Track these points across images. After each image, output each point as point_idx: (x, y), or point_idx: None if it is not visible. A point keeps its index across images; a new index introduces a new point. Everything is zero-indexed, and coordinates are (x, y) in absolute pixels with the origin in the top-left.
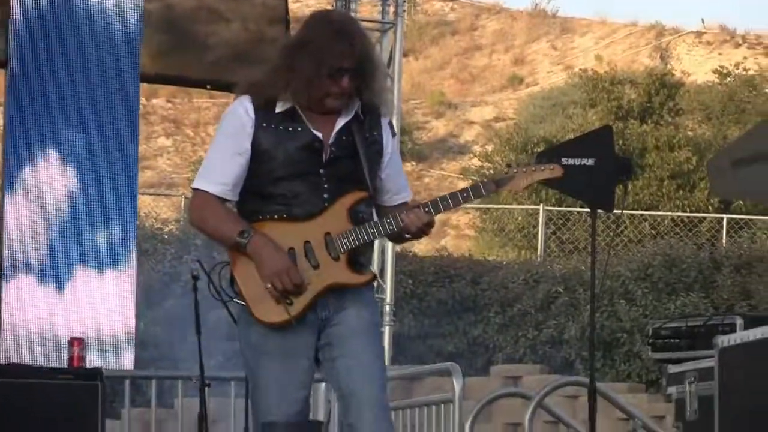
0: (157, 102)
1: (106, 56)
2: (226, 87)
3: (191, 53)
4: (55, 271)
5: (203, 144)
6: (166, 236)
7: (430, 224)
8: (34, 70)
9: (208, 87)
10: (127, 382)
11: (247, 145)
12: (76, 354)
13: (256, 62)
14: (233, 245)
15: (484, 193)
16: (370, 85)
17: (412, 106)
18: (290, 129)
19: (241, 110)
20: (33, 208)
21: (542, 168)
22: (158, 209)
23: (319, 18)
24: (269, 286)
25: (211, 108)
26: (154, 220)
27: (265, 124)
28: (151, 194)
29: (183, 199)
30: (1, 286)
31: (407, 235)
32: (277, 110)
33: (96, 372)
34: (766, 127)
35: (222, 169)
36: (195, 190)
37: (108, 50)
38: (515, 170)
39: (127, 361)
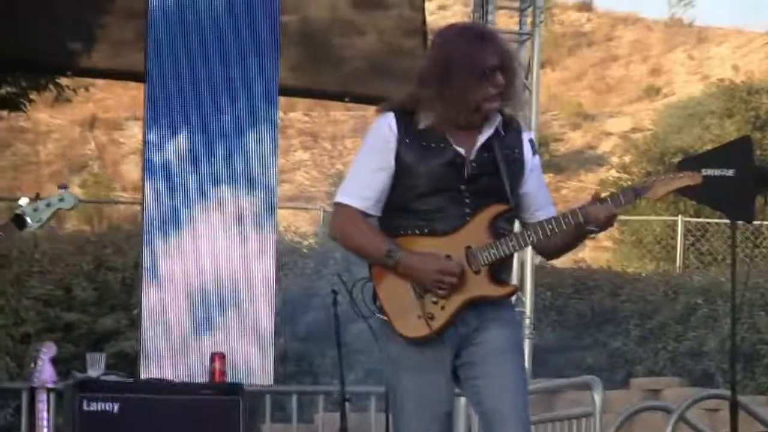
0: (295, 115)
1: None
2: (363, 99)
3: (327, 66)
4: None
5: (341, 157)
6: (305, 250)
7: (614, 216)
8: (172, 82)
9: (347, 99)
10: (268, 397)
11: (391, 161)
12: (217, 369)
13: (393, 74)
14: (380, 264)
15: (622, 201)
16: (512, 83)
17: (549, 118)
18: (433, 145)
19: (385, 126)
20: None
21: (681, 175)
22: (297, 223)
23: (450, 31)
24: (439, 292)
25: (348, 121)
26: (293, 234)
27: (408, 140)
28: (290, 208)
29: (321, 212)
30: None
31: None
32: (420, 126)
33: (237, 387)
34: None
35: (365, 183)
36: (337, 204)
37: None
38: (653, 178)
39: (267, 375)
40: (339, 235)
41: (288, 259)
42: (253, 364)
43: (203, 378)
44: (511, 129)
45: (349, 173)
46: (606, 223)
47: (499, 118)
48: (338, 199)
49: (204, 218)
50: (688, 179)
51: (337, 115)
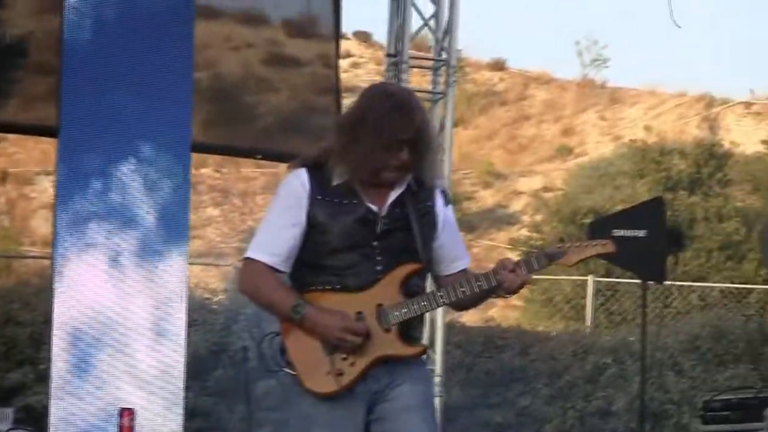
0: (205, 172)
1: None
2: (275, 156)
3: (239, 122)
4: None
5: (251, 213)
6: (215, 306)
7: (525, 282)
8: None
9: (259, 157)
10: None
11: (302, 217)
12: (125, 425)
13: (305, 131)
14: (287, 319)
15: (536, 267)
16: (424, 156)
17: (461, 176)
18: (345, 201)
19: (297, 182)
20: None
21: (594, 244)
22: (207, 279)
23: (376, 91)
24: (342, 346)
25: (259, 177)
26: (203, 290)
27: (320, 197)
28: (199, 264)
29: (233, 268)
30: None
31: (500, 293)
32: (333, 183)
33: None
34: None
35: (276, 240)
36: (246, 259)
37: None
38: (568, 245)
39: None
40: (248, 290)
41: (197, 315)
42: (162, 420)
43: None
44: (422, 184)
45: (259, 229)
46: (519, 289)
47: (410, 175)
48: (248, 254)
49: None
50: (601, 248)
51: (248, 171)
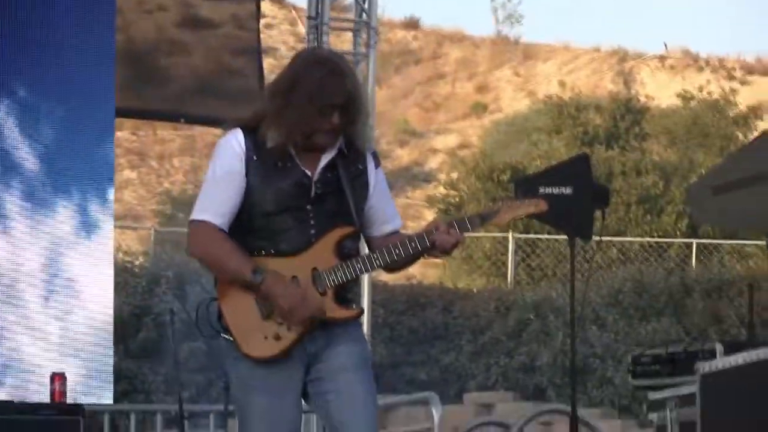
0: (122, 135)
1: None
2: (194, 119)
3: (156, 86)
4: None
5: (168, 176)
6: (136, 270)
7: (459, 243)
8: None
9: (182, 120)
10: (107, 416)
11: (243, 177)
12: (57, 389)
13: (223, 94)
14: (244, 282)
15: (469, 227)
16: (355, 121)
17: (377, 135)
18: (279, 164)
19: (234, 142)
20: None
21: (526, 203)
22: (126, 243)
23: (309, 56)
24: (293, 323)
25: (176, 140)
26: (123, 254)
27: (256, 158)
28: (118, 227)
29: (153, 232)
30: None
31: (433, 254)
32: (268, 145)
33: (78, 407)
34: (745, 152)
35: (219, 200)
36: (194, 221)
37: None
38: (500, 204)
39: (105, 394)
40: (200, 253)
41: (119, 278)
42: (92, 383)
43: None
44: (354, 147)
45: (201, 191)
46: (452, 250)
47: (342, 139)
48: (195, 216)
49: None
50: (533, 207)
51: (165, 134)
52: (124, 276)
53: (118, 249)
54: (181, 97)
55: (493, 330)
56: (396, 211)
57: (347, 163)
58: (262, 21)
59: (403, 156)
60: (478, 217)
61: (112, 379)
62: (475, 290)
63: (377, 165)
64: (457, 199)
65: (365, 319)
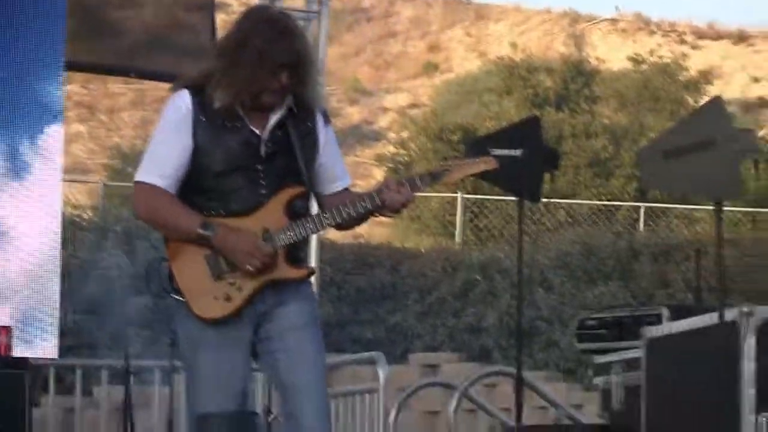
0: (72, 88)
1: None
2: (145, 74)
3: (106, 39)
4: None
5: (118, 130)
6: (84, 223)
7: (409, 201)
8: None
9: (132, 75)
10: (52, 370)
11: (189, 138)
12: (3, 343)
13: (175, 49)
14: (196, 237)
15: (419, 185)
16: (305, 81)
17: (327, 93)
18: (228, 124)
19: (181, 103)
20: None
21: (477, 161)
22: (75, 196)
23: (257, 16)
24: (249, 268)
25: (127, 93)
26: (72, 208)
27: (203, 119)
28: (67, 180)
29: (102, 186)
30: None
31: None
32: (215, 105)
33: (23, 361)
34: (695, 117)
35: (165, 161)
36: (138, 183)
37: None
38: (450, 163)
39: (50, 348)
40: (145, 213)
41: (67, 232)
42: (37, 338)
43: None
44: (303, 105)
45: (147, 152)
46: (402, 208)
47: (291, 97)
48: (141, 178)
49: None
50: (484, 165)
51: (115, 87)
52: (72, 230)
53: (66, 202)
54: (131, 51)
55: (440, 290)
56: (345, 169)
57: (297, 122)
58: None
59: (353, 114)
60: (428, 175)
61: (57, 333)
62: (422, 250)
63: (326, 123)
64: (407, 158)
65: (314, 278)
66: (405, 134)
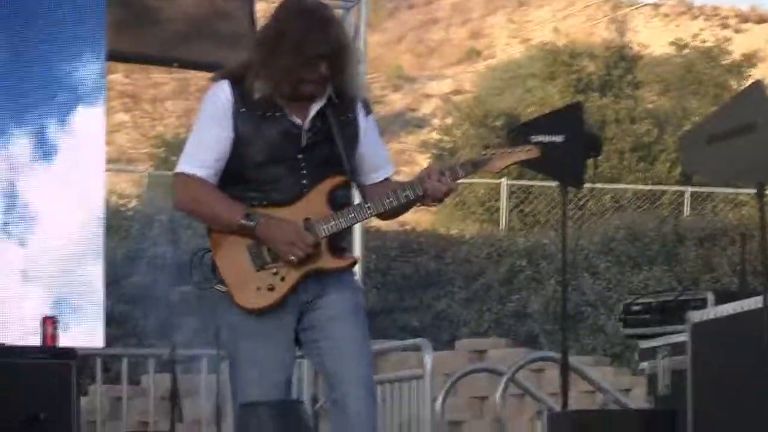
0: (115, 77)
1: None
2: (187, 64)
3: (148, 28)
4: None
5: (161, 119)
6: (130, 213)
7: (451, 190)
8: None
9: (174, 65)
10: (99, 359)
11: (230, 129)
12: (49, 333)
13: (217, 38)
14: (238, 228)
15: (461, 174)
16: (343, 70)
17: (370, 80)
18: (268, 114)
19: (221, 94)
20: None
21: (519, 149)
22: (120, 186)
23: (293, 6)
24: (292, 258)
25: (170, 83)
26: (117, 197)
27: (243, 110)
28: (112, 170)
29: (147, 176)
30: None
31: (426, 202)
32: (255, 96)
33: (70, 351)
34: (737, 101)
35: (206, 152)
36: (180, 174)
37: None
38: (493, 152)
39: (97, 338)
40: (187, 205)
41: (112, 221)
42: (83, 327)
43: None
44: (343, 95)
45: (188, 143)
46: (444, 197)
47: (330, 87)
48: (180, 169)
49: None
50: (525, 154)
51: (158, 77)
52: (117, 219)
53: (112, 192)
54: (172, 40)
55: (485, 276)
56: (388, 158)
57: (337, 112)
58: None
59: (397, 101)
60: (470, 164)
61: (103, 323)
62: (467, 236)
63: (368, 113)
64: (451, 145)
65: (358, 265)
66: (449, 120)
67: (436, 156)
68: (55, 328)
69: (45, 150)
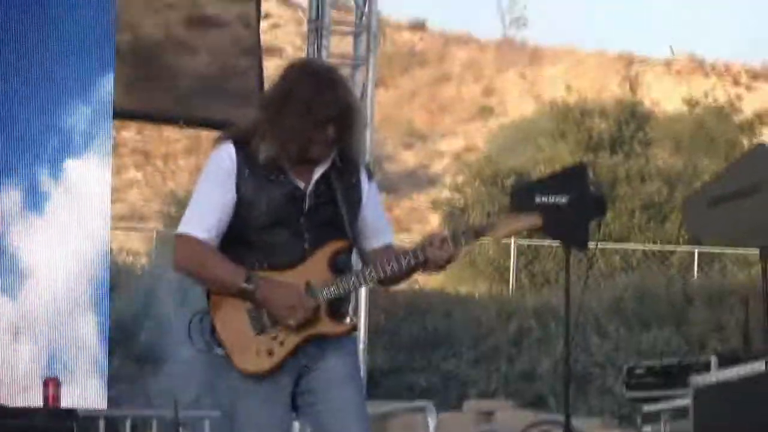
0: (127, 134)
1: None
2: (197, 122)
3: (161, 87)
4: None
5: (173, 176)
6: (138, 271)
7: (453, 258)
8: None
9: (181, 123)
10: (101, 421)
11: (233, 191)
12: (51, 394)
13: (227, 96)
14: (238, 291)
15: (463, 241)
16: (350, 133)
17: (382, 138)
18: (272, 177)
19: (225, 155)
20: None
21: (523, 218)
22: (129, 243)
23: (301, 68)
24: (291, 323)
25: (181, 140)
26: (126, 254)
27: (248, 171)
28: (122, 228)
29: (155, 233)
30: None
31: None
32: (260, 158)
33: (71, 413)
34: (740, 163)
35: (208, 214)
36: (180, 235)
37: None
38: (496, 218)
39: (99, 398)
40: (186, 266)
41: (121, 279)
42: (86, 387)
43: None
44: (347, 159)
45: (190, 204)
46: (445, 265)
47: (335, 150)
48: (181, 230)
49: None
50: (529, 222)
51: (170, 134)
52: (126, 277)
53: (121, 249)
54: (184, 98)
55: (494, 336)
56: (388, 224)
57: (341, 176)
58: (269, 21)
59: (409, 159)
60: (472, 231)
61: (106, 383)
62: (476, 296)
63: (370, 178)
64: (462, 203)
65: (362, 324)
66: (460, 179)
67: (446, 214)
68: (57, 389)
69: (36, 202)
